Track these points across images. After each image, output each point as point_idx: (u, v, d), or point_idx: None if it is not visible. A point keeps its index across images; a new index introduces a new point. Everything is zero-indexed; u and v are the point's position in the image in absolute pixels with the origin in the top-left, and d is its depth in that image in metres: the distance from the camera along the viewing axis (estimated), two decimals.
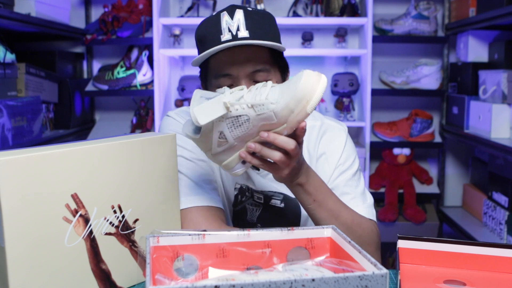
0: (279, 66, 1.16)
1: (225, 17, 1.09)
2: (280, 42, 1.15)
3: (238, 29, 1.07)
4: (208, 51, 1.08)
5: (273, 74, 1.14)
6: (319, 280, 0.68)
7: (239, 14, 1.08)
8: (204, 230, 0.89)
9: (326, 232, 0.91)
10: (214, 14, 1.13)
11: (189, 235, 0.88)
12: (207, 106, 0.93)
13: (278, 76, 1.16)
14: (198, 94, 0.98)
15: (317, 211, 1.08)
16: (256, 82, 1.11)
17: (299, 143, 0.97)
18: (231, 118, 0.94)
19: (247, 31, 1.07)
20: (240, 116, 0.93)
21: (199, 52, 1.15)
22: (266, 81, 1.10)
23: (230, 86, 1.09)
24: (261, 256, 0.88)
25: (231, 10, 1.09)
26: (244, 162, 1.00)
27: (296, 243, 0.90)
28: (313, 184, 1.07)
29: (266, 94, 0.93)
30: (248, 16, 1.09)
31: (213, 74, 1.14)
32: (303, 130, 0.95)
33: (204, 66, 1.17)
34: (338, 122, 1.30)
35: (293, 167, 0.99)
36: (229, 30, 1.08)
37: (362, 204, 1.20)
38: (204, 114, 0.92)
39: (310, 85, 0.90)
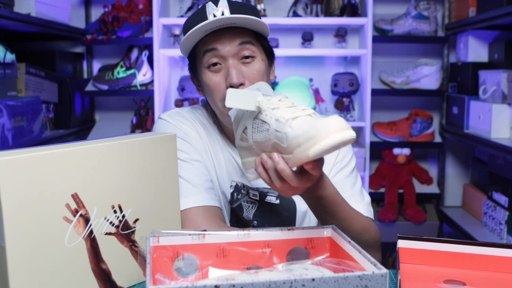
0: (264, 48, 1.20)
1: (209, 6, 1.13)
2: (266, 29, 1.18)
3: (222, 14, 1.12)
4: (196, 28, 1.09)
5: (259, 52, 1.17)
6: (319, 279, 0.68)
7: (223, 2, 1.13)
8: (204, 230, 0.89)
9: (326, 232, 0.91)
10: (199, 7, 1.17)
11: (189, 235, 0.88)
12: (242, 94, 0.90)
13: (264, 56, 1.19)
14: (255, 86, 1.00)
15: (329, 222, 1.05)
16: (243, 60, 1.14)
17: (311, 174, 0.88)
18: (258, 120, 0.90)
19: (232, 15, 1.12)
20: (264, 122, 0.89)
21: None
22: (253, 57, 1.15)
23: (219, 67, 1.14)
24: (261, 256, 0.89)
25: (215, 0, 1.14)
26: None
27: (296, 243, 0.90)
28: (329, 198, 1.02)
29: (295, 115, 0.86)
30: (231, 3, 1.14)
31: (200, 54, 1.17)
32: (312, 169, 0.85)
33: (192, 56, 1.20)
34: None
35: (297, 192, 0.94)
36: (214, 16, 1.12)
37: (361, 202, 1.21)
38: (234, 99, 0.90)
39: (327, 128, 0.79)
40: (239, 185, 1.24)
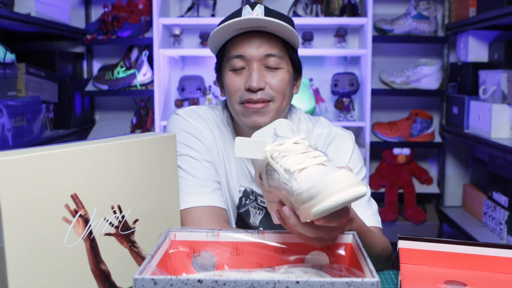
0: (291, 60, 1.19)
1: (246, 9, 1.13)
2: (296, 40, 1.17)
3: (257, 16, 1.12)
4: (227, 24, 1.09)
5: (285, 63, 1.17)
6: (304, 283, 0.66)
7: (260, 8, 1.13)
8: (220, 229, 0.90)
9: (346, 238, 0.89)
10: (237, 9, 1.18)
11: (204, 231, 0.89)
12: (250, 143, 0.85)
13: (290, 68, 1.19)
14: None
15: None
16: (267, 68, 1.14)
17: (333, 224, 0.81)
18: (270, 167, 0.85)
19: (263, 17, 1.11)
20: (275, 171, 0.83)
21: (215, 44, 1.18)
22: (278, 68, 1.14)
23: (242, 69, 1.14)
24: (276, 257, 0.88)
25: (252, 5, 1.14)
26: None
27: (312, 247, 0.88)
28: (355, 230, 0.95)
29: (303, 165, 0.80)
30: (268, 10, 1.14)
31: (227, 56, 1.17)
32: (328, 222, 0.79)
33: (220, 54, 1.21)
34: (345, 130, 1.30)
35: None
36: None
37: (368, 212, 1.19)
38: (242, 148, 0.85)
39: (333, 185, 0.72)
40: (248, 190, 1.24)
